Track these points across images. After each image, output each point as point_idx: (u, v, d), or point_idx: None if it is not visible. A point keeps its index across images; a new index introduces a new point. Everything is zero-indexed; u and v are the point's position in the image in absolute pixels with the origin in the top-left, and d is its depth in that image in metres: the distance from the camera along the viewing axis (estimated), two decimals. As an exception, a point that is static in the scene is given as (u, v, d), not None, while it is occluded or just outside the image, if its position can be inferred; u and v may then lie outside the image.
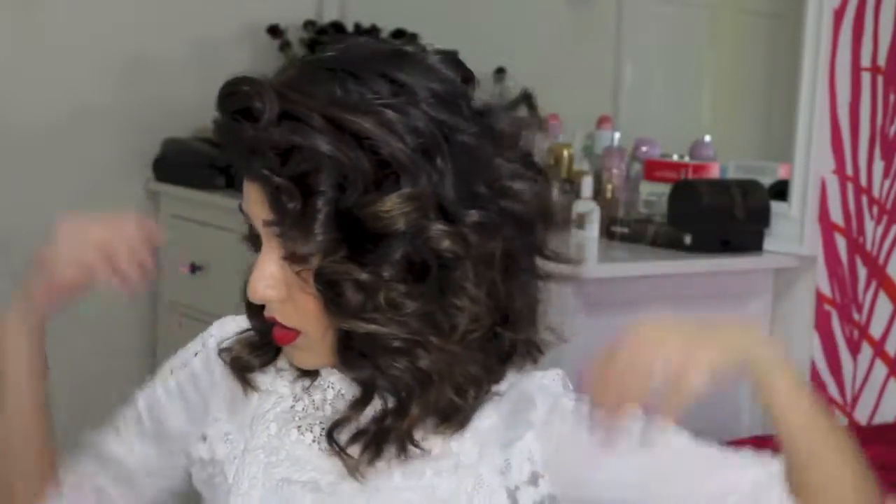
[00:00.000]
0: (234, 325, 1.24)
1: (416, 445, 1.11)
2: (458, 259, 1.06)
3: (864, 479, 1.06)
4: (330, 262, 1.05)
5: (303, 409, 1.18)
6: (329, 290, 1.06)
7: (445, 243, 1.05)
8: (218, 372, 1.22)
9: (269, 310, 1.10)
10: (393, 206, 1.03)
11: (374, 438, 1.11)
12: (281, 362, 1.21)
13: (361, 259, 1.05)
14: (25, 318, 1.26)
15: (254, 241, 1.13)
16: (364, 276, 1.04)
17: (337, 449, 1.12)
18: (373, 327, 1.05)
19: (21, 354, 1.23)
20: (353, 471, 1.12)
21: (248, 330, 1.21)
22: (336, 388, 1.17)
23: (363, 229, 1.04)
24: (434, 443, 1.13)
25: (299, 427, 1.18)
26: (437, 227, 1.05)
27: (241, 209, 1.12)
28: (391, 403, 1.11)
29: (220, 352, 1.21)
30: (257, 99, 1.04)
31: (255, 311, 1.16)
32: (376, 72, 1.07)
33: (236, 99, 1.06)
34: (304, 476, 1.16)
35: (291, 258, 1.07)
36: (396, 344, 1.07)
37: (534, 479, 1.13)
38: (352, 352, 1.10)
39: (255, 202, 1.08)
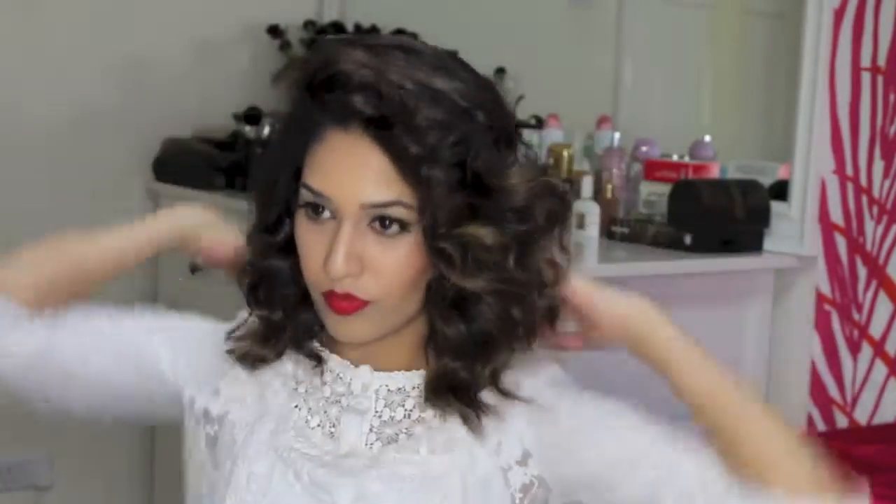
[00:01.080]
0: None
1: (479, 403, 1.16)
2: (550, 228, 1.16)
3: (794, 439, 1.14)
4: (458, 228, 1.09)
5: (305, 390, 1.21)
6: (459, 253, 1.10)
7: (546, 214, 1.14)
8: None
9: (343, 285, 1.11)
10: (519, 180, 1.12)
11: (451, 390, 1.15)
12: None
13: (484, 222, 1.10)
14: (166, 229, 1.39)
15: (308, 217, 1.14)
16: (493, 238, 1.10)
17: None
18: (493, 284, 1.12)
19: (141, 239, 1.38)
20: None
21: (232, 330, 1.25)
22: (335, 372, 1.20)
23: (486, 195, 1.10)
24: (430, 414, 1.18)
25: (310, 409, 1.20)
26: (546, 201, 1.14)
27: (305, 191, 1.12)
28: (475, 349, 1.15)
29: (228, 352, 1.23)
30: (376, 77, 1.07)
31: (275, 298, 1.19)
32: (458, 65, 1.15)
33: (343, 74, 1.08)
34: (308, 449, 1.19)
35: (402, 225, 1.10)
36: (500, 296, 1.13)
37: (524, 460, 1.17)
38: (443, 305, 1.14)
39: (361, 178, 1.09)
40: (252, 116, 3.19)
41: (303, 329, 1.20)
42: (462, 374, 1.15)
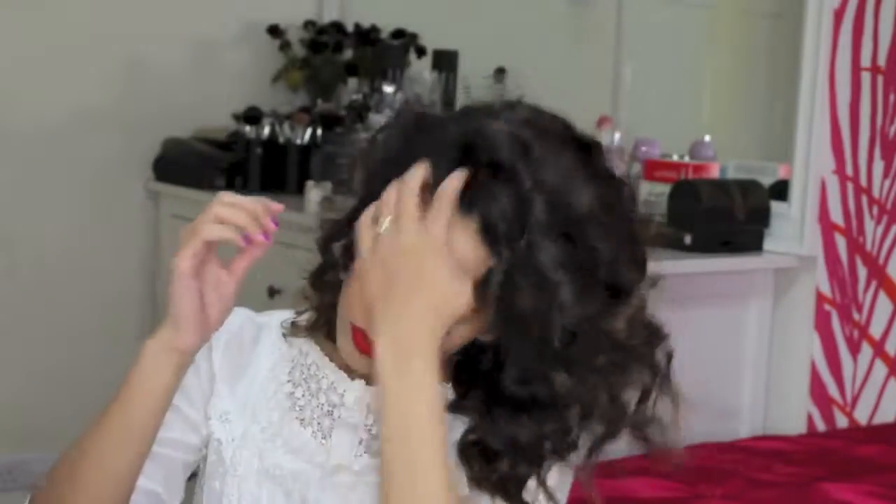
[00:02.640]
0: (233, 317, 1.23)
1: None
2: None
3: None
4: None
5: (301, 395, 1.21)
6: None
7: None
8: (217, 355, 1.24)
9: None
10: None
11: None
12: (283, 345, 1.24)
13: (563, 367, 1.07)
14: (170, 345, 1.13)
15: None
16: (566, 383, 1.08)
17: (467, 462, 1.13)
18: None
19: (159, 386, 1.13)
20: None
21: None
22: (329, 379, 1.20)
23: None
24: None
25: (301, 420, 1.20)
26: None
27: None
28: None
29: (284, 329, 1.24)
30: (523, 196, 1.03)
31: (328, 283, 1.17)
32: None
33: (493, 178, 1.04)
34: (297, 465, 1.19)
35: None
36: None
37: None
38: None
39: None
40: (252, 116, 3.19)
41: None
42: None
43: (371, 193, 1.10)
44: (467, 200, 1.04)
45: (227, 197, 1.10)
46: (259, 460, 1.20)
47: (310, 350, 1.23)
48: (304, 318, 1.23)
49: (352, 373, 1.19)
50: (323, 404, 1.20)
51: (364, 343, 1.10)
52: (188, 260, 1.08)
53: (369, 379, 1.18)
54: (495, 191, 1.03)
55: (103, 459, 1.13)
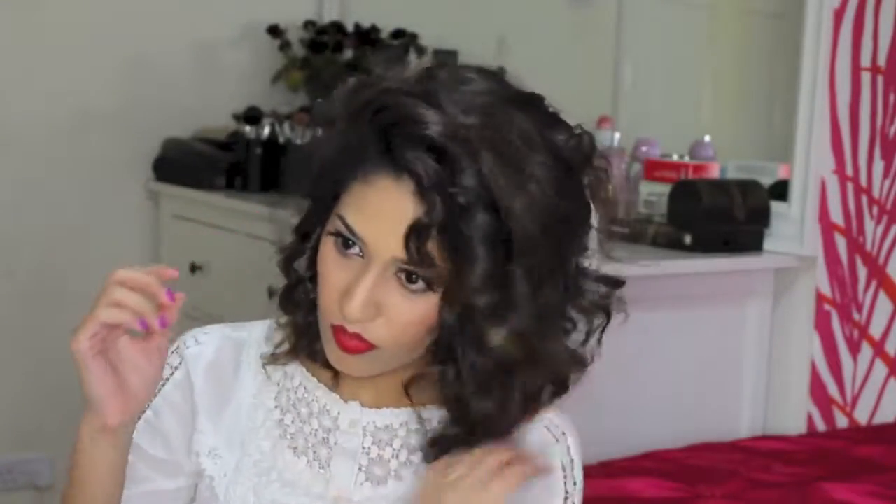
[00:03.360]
0: (208, 339, 1.23)
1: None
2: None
3: None
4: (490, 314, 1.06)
5: (291, 421, 1.19)
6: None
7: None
8: (199, 384, 1.21)
9: (354, 326, 1.08)
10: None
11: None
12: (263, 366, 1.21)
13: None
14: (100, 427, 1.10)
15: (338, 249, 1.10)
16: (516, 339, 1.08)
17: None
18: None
19: (102, 464, 1.12)
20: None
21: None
22: (321, 402, 1.18)
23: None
24: (418, 457, 1.17)
25: (294, 449, 1.18)
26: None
27: (342, 229, 1.08)
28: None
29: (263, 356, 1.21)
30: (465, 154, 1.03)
31: (298, 302, 1.17)
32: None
33: (418, 131, 1.04)
34: (295, 500, 1.17)
35: (429, 283, 1.07)
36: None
37: None
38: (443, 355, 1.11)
39: (401, 233, 1.04)
40: (252, 116, 3.19)
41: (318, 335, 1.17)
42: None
43: (318, 198, 1.12)
44: (422, 189, 1.04)
45: (121, 274, 1.07)
46: (254, 496, 1.17)
47: (295, 372, 1.20)
48: (284, 346, 1.20)
49: (344, 394, 1.18)
50: (317, 430, 1.18)
51: (348, 340, 1.09)
52: (86, 342, 1.06)
53: (363, 400, 1.18)
54: (421, 154, 1.04)
55: None
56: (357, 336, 1.08)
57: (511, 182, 1.03)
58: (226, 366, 1.21)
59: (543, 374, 1.11)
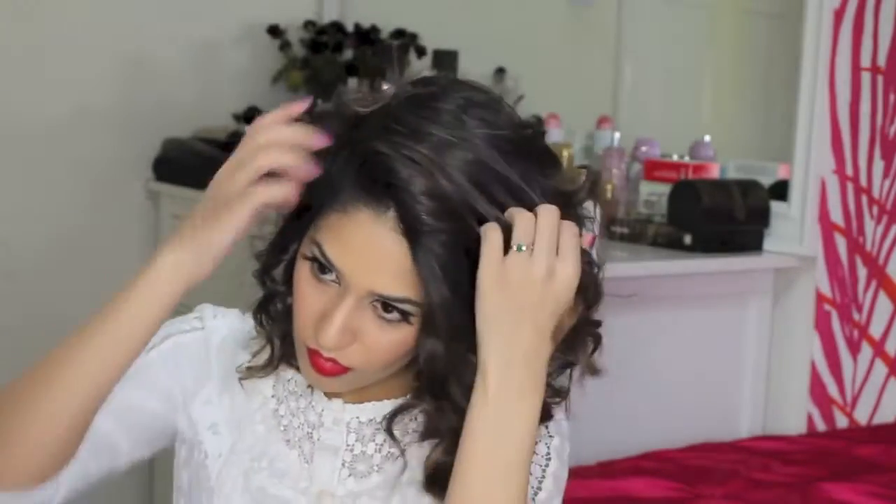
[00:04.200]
0: (225, 317, 1.23)
1: None
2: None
3: None
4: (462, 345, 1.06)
5: (285, 413, 1.19)
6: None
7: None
8: (213, 355, 1.21)
9: (330, 352, 1.08)
10: None
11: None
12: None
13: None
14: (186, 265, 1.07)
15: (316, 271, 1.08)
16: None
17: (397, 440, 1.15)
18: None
19: (166, 294, 1.06)
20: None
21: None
22: (308, 398, 1.19)
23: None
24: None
25: (287, 441, 1.18)
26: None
27: (318, 257, 1.07)
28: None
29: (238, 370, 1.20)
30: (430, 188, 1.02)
31: (273, 312, 1.16)
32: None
33: (397, 178, 1.03)
34: (281, 491, 1.17)
35: (404, 315, 1.06)
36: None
37: None
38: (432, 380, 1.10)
39: (379, 268, 1.04)
40: (252, 116, 3.19)
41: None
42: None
43: (295, 216, 1.10)
44: (402, 227, 1.03)
45: (268, 133, 1.05)
46: (244, 480, 1.17)
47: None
48: (261, 357, 1.19)
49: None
50: (303, 424, 1.18)
51: (323, 363, 1.09)
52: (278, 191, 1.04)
53: (346, 396, 1.18)
54: (402, 193, 1.02)
55: (82, 365, 1.06)
56: (332, 360, 1.09)
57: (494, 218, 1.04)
58: (235, 347, 1.22)
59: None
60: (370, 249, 1.04)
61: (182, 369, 1.20)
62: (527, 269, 1.04)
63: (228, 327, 1.23)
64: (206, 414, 1.20)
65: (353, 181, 1.05)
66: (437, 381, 1.08)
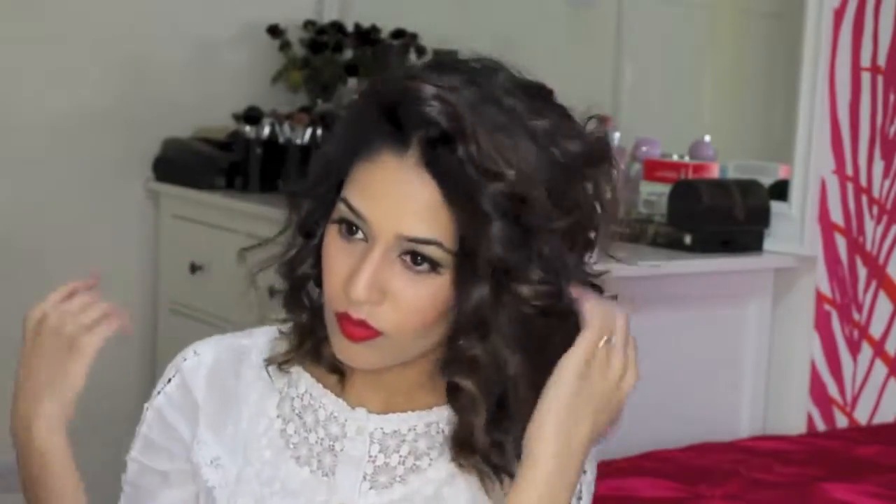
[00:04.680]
0: (206, 349, 1.22)
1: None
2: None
3: None
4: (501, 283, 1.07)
5: (294, 431, 1.17)
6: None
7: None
8: (201, 394, 1.20)
9: (359, 311, 1.07)
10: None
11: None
12: (264, 373, 1.19)
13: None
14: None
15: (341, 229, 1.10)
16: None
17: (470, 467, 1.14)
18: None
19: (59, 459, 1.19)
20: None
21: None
22: (328, 409, 1.17)
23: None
24: (425, 462, 1.16)
25: (297, 458, 1.17)
26: None
27: (349, 214, 1.08)
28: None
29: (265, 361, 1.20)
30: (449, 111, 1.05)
31: (303, 302, 1.16)
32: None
33: (414, 98, 1.05)
34: None
35: (433, 265, 1.06)
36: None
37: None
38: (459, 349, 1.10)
39: (405, 208, 1.05)
40: (252, 116, 3.19)
41: (325, 337, 1.15)
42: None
43: (322, 195, 1.12)
44: (425, 161, 1.05)
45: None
46: None
47: (300, 378, 1.18)
48: (287, 350, 1.18)
49: (350, 399, 1.16)
50: (322, 439, 1.16)
51: (353, 327, 1.08)
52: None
53: (370, 406, 1.16)
54: (424, 129, 1.05)
55: None
56: (363, 323, 1.07)
57: (512, 147, 1.05)
58: (226, 373, 1.20)
59: (570, 323, 1.10)
60: (395, 190, 1.05)
61: (173, 424, 1.20)
62: (605, 367, 1.08)
63: (213, 354, 1.21)
64: (203, 453, 1.19)
65: (373, 127, 1.07)
66: (479, 320, 1.07)
